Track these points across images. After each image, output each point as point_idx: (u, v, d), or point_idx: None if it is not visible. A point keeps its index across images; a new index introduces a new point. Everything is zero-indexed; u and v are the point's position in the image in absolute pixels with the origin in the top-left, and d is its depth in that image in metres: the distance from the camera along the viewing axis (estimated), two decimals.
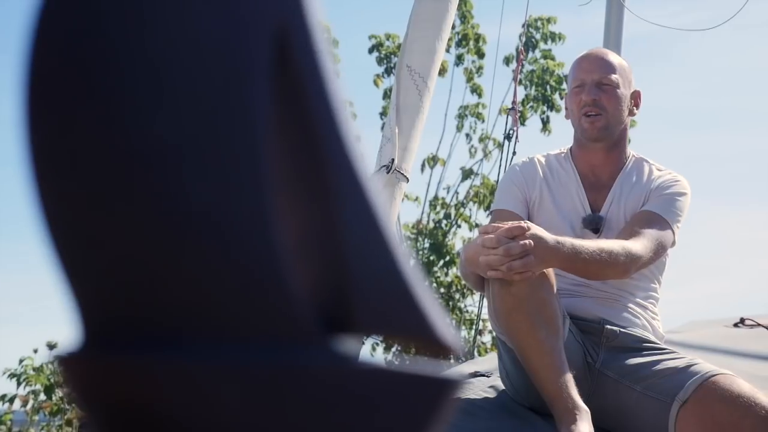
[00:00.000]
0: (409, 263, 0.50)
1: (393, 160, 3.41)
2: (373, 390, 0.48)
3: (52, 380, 7.21)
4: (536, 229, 2.59)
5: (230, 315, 0.47)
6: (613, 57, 3.05)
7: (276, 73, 0.47)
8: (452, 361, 2.91)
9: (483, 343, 10.33)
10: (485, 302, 2.81)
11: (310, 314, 0.48)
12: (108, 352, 0.47)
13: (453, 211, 11.21)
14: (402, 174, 3.45)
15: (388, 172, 3.41)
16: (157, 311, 0.47)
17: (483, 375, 3.22)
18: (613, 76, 2.97)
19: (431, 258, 10.89)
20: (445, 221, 11.22)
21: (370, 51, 11.35)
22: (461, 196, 11.21)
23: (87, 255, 0.47)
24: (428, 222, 11.27)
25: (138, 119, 0.46)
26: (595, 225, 2.98)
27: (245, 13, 0.47)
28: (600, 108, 2.94)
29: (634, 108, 3.05)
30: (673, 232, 2.91)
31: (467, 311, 10.65)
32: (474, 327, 8.32)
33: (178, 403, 0.46)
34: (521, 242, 2.54)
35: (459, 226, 11.30)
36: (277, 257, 0.47)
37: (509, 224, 2.59)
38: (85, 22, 0.45)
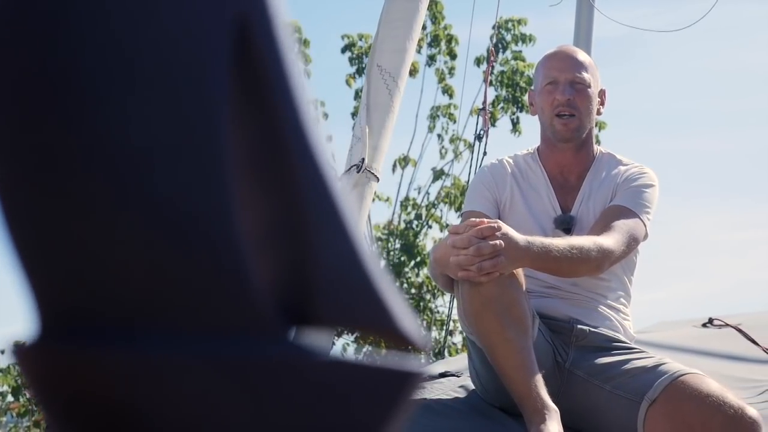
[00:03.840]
0: (372, 256, 0.49)
1: (363, 159, 3.40)
2: (333, 382, 0.48)
3: (19, 381, 7.15)
4: (506, 229, 2.59)
5: (190, 306, 0.46)
6: (582, 55, 3.06)
7: (236, 65, 0.47)
8: (422, 359, 2.89)
9: (454, 343, 10.35)
10: (455, 303, 2.81)
11: (271, 306, 0.47)
12: (66, 343, 0.47)
13: (424, 212, 11.22)
14: (372, 173, 3.44)
15: (358, 172, 3.40)
16: (116, 302, 0.46)
17: (453, 375, 3.22)
18: (585, 75, 2.97)
19: (402, 259, 10.89)
20: (416, 222, 11.23)
21: (343, 51, 11.34)
22: (432, 197, 11.23)
23: (44, 246, 0.46)
24: (399, 222, 11.28)
25: (95, 112, 0.45)
26: (566, 225, 2.98)
27: (205, 5, 0.46)
28: (573, 108, 2.94)
29: (601, 107, 3.07)
30: (644, 224, 2.90)
31: (438, 312, 10.66)
32: (445, 328, 8.33)
33: (136, 393, 0.46)
34: (492, 242, 2.54)
35: (430, 227, 11.31)
36: (237, 249, 0.46)
37: (479, 222, 2.59)
38: (41, 12, 0.45)
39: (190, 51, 0.46)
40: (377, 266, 0.50)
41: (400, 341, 0.50)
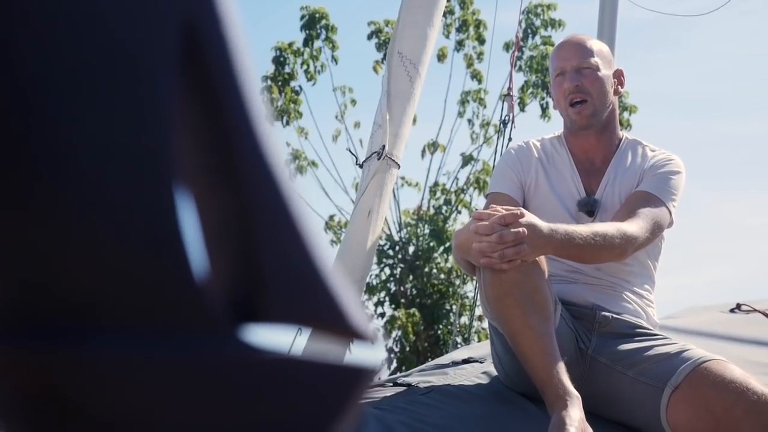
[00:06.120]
0: (322, 252, 0.50)
1: (384, 146, 3.40)
2: (282, 379, 0.48)
3: None
4: (530, 217, 2.58)
5: (139, 305, 0.46)
6: (589, 42, 3.05)
7: (185, 67, 0.47)
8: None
9: (483, 328, 10.34)
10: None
11: (219, 303, 0.47)
12: (12, 342, 0.47)
13: (453, 197, 11.21)
14: (393, 160, 3.44)
15: (379, 159, 3.39)
16: (62, 301, 0.46)
17: (476, 361, 3.23)
18: (592, 60, 2.97)
19: (431, 244, 10.90)
20: (445, 207, 11.23)
21: (369, 37, 11.33)
22: (461, 182, 11.22)
23: None
24: (428, 208, 11.28)
25: (38, 114, 0.45)
26: (589, 208, 2.97)
27: (152, 7, 0.46)
28: (584, 92, 2.94)
29: (619, 87, 3.06)
30: (669, 212, 2.90)
31: (467, 297, 10.66)
32: (471, 313, 8.33)
33: (85, 393, 0.46)
34: (515, 230, 2.53)
35: (459, 212, 11.31)
36: (184, 247, 0.46)
37: (502, 209, 2.58)
38: None
39: (136, 54, 0.46)
40: (328, 263, 0.50)
41: (351, 336, 0.50)
